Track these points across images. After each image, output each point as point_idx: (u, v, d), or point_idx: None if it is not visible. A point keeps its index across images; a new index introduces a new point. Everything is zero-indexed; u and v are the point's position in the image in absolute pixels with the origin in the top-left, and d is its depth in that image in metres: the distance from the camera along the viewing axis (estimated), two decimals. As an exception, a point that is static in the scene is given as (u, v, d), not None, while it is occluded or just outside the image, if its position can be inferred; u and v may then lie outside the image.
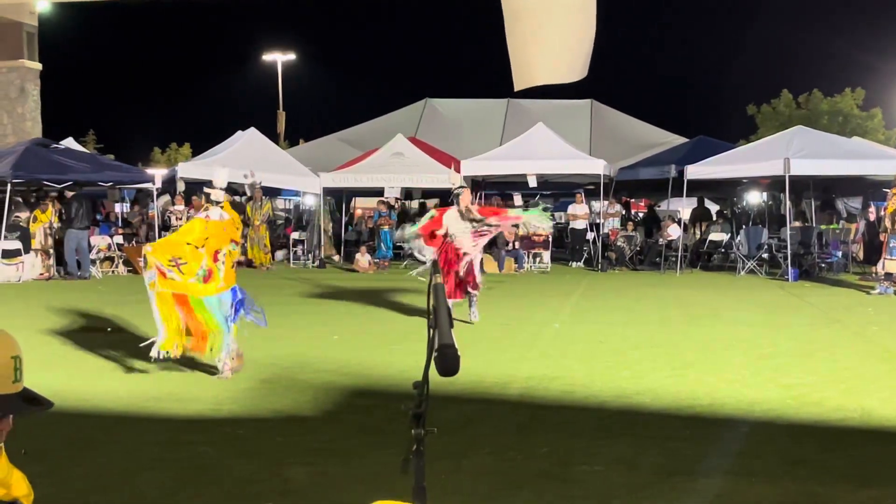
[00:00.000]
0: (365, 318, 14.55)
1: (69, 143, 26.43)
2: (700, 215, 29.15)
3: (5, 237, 20.72)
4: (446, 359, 2.43)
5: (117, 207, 30.77)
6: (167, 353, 9.63)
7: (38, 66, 33.74)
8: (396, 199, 31.34)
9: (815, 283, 20.40)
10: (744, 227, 26.43)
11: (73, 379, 9.45)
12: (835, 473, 6.34)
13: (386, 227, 26.47)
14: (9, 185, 20.70)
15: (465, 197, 13.45)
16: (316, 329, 13.39)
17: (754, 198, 31.09)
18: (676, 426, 7.76)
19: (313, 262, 25.98)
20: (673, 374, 9.88)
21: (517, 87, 3.46)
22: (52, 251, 21.59)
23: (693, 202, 29.48)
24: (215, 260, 9.72)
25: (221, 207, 10.09)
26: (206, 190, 10.88)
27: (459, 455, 6.62)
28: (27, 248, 21.02)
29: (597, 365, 10.44)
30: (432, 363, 2.48)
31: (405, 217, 29.86)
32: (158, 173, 25.81)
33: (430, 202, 34.20)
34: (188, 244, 9.68)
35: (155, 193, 24.01)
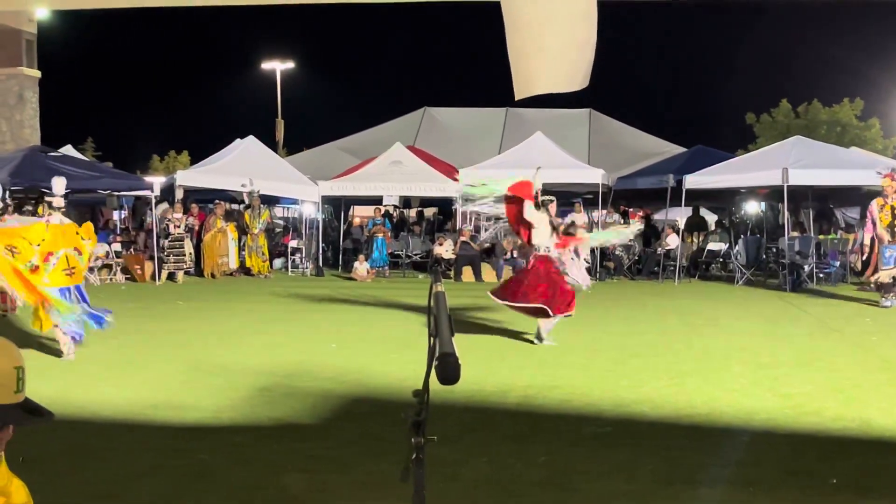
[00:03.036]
0: (363, 327, 14.54)
1: (68, 150, 26.45)
2: (695, 224, 29.14)
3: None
4: (447, 367, 2.42)
5: (115, 215, 30.75)
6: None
7: (37, 73, 33.71)
8: (395, 207, 31.37)
9: (814, 293, 20.39)
10: (742, 236, 26.43)
11: (72, 387, 9.44)
12: (834, 483, 6.33)
13: (380, 235, 26.45)
14: (7, 193, 20.67)
15: (553, 207, 13.18)
16: (314, 337, 13.38)
17: (752, 207, 31.10)
18: (675, 435, 7.75)
19: (312, 271, 25.97)
20: (672, 383, 9.88)
21: (518, 95, 3.46)
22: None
23: (690, 211, 29.47)
24: (45, 260, 10.77)
25: (62, 213, 11.42)
26: (46, 198, 11.92)
27: (458, 463, 6.61)
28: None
29: (595, 374, 10.44)
30: (433, 371, 2.47)
31: (403, 225, 29.88)
32: (157, 181, 25.77)
33: (429, 210, 34.24)
34: (23, 238, 10.82)
35: (154, 201, 24.00)
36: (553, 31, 3.20)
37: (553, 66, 3.25)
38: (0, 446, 2.34)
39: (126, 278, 22.72)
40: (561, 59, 3.25)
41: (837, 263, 23.00)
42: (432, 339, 2.47)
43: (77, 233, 11.44)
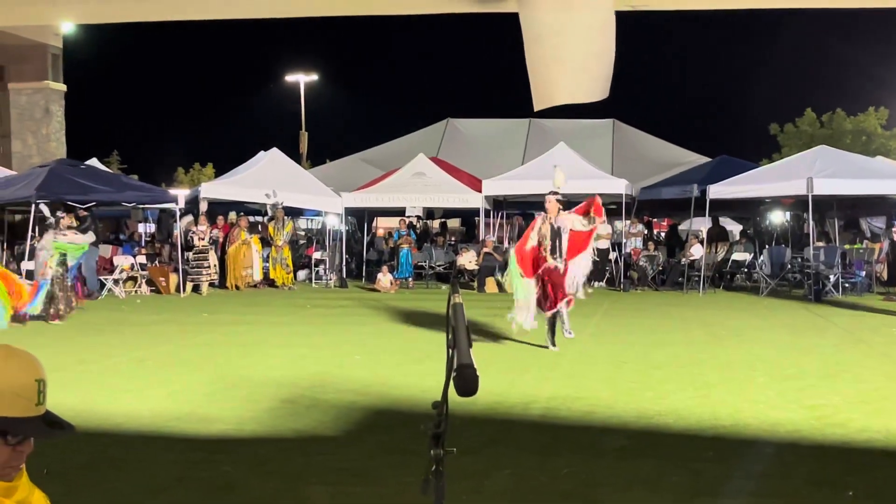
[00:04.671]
0: (386, 338, 14.55)
1: (93, 163, 26.60)
2: (716, 235, 29.00)
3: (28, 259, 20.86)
4: (465, 379, 2.42)
5: (141, 227, 30.92)
6: None
7: (63, 87, 34.04)
8: (418, 218, 31.39)
9: (839, 303, 20.25)
10: (766, 246, 26.30)
11: (95, 399, 9.48)
12: (859, 495, 6.28)
13: (406, 247, 26.46)
14: (33, 206, 20.85)
15: (551, 205, 13.15)
16: (338, 349, 13.39)
17: (777, 217, 30.95)
18: (700, 447, 7.71)
19: (335, 282, 26.02)
20: (696, 394, 9.83)
21: (537, 106, 3.47)
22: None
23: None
24: None
25: None
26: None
27: (481, 475, 6.60)
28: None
29: (619, 385, 10.40)
30: (451, 383, 2.47)
31: (426, 237, 29.90)
32: (182, 193, 25.91)
33: (452, 221, 34.27)
34: None
35: (178, 213, 24.11)
36: (571, 43, 3.20)
37: (572, 76, 3.25)
38: (21, 459, 2.35)
39: (151, 290, 22.83)
40: (579, 70, 3.25)
41: (863, 273, 22.85)
42: (450, 350, 2.47)
43: None
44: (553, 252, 12.88)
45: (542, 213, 13.23)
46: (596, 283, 25.39)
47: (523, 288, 13.14)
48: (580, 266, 13.29)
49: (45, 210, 16.96)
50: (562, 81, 3.22)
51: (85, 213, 16.99)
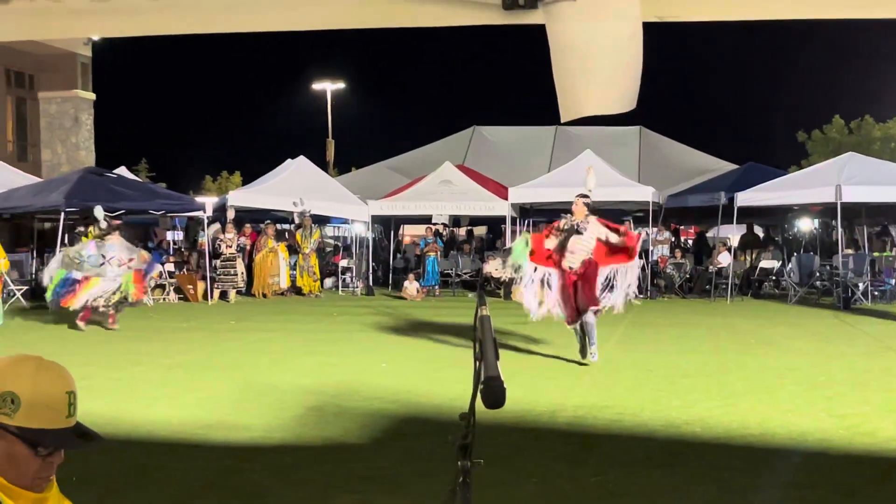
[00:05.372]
0: (413, 346, 14.58)
1: (122, 171, 26.79)
2: (750, 242, 28.87)
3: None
4: (492, 391, 2.42)
5: (169, 235, 31.10)
6: None
7: (92, 95, 34.27)
8: (444, 225, 31.40)
9: (869, 311, 20.11)
10: (795, 254, 26.16)
11: (125, 407, 9.55)
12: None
13: (432, 255, 26.48)
14: (62, 214, 21.02)
15: (578, 208, 12.58)
16: (364, 357, 13.42)
17: (805, 225, 30.78)
18: (728, 456, 7.68)
19: (362, 290, 26.08)
20: (724, 403, 9.78)
21: (564, 118, 3.47)
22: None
23: (743, 228, 29.21)
24: None
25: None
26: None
27: (508, 484, 6.59)
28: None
29: (647, 394, 10.37)
30: (479, 395, 2.48)
31: (453, 244, 29.91)
32: (209, 201, 26.07)
33: (479, 229, 34.25)
34: None
35: (206, 221, 24.23)
36: (599, 53, 3.20)
37: (600, 88, 3.25)
38: (51, 470, 2.37)
39: (179, 298, 22.95)
40: (608, 80, 3.25)
41: (893, 281, 22.70)
42: (477, 362, 2.48)
43: None
44: (561, 250, 12.53)
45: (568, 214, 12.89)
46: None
47: (520, 256, 12.88)
48: (627, 278, 12.80)
49: (100, 213, 17.14)
50: (589, 93, 3.22)
51: (119, 223, 17.18)
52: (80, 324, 16.44)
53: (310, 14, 3.39)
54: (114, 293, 16.57)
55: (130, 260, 16.85)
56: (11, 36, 3.64)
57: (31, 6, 3.45)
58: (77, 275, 16.45)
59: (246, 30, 3.58)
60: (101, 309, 16.58)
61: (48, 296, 16.69)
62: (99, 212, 17.38)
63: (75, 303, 16.32)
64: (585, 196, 12.77)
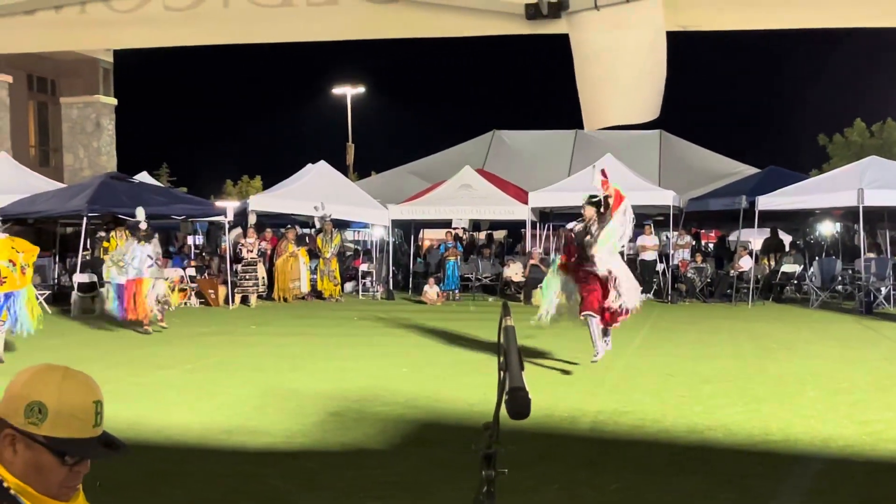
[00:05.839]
0: (433, 350, 14.58)
1: (143, 176, 26.94)
2: (773, 246, 28.74)
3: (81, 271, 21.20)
4: (518, 401, 2.43)
5: (190, 240, 31.22)
6: None
7: (114, 100, 34.51)
8: (464, 230, 31.38)
9: (891, 316, 19.99)
10: (817, 258, 26.03)
11: (148, 412, 9.58)
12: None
13: (452, 259, 26.48)
14: (84, 219, 21.14)
15: (588, 213, 12.60)
16: (385, 361, 13.43)
17: (827, 228, 30.63)
18: (750, 462, 7.65)
19: (382, 294, 26.11)
20: (746, 409, 9.75)
21: (588, 127, 3.47)
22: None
23: (765, 232, 29.08)
24: None
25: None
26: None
27: (530, 491, 6.59)
28: (101, 282, 21.45)
29: (668, 399, 10.34)
30: (503, 405, 2.48)
31: (472, 248, 29.90)
32: (230, 206, 26.13)
33: (499, 233, 34.23)
34: None
35: (227, 226, 24.31)
36: (623, 63, 3.20)
37: (624, 97, 3.25)
38: (78, 479, 2.39)
39: (200, 302, 23.03)
40: (632, 90, 3.24)
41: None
42: (502, 373, 2.48)
43: (12, 247, 13.21)
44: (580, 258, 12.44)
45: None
46: (643, 296, 25.19)
47: (548, 296, 12.96)
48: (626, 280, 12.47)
49: (141, 214, 17.33)
50: (613, 103, 3.22)
51: (147, 227, 17.39)
52: (147, 328, 16.86)
53: (332, 24, 3.40)
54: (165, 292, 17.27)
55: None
56: (37, 47, 3.67)
57: (57, 17, 3.47)
58: (122, 279, 16.78)
59: (268, 41, 3.59)
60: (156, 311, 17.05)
61: (110, 307, 17.11)
62: (141, 213, 17.58)
63: (140, 314, 16.76)
64: (594, 197, 12.78)
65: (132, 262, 16.74)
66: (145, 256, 16.85)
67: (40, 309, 13.82)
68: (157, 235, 17.92)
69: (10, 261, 13.08)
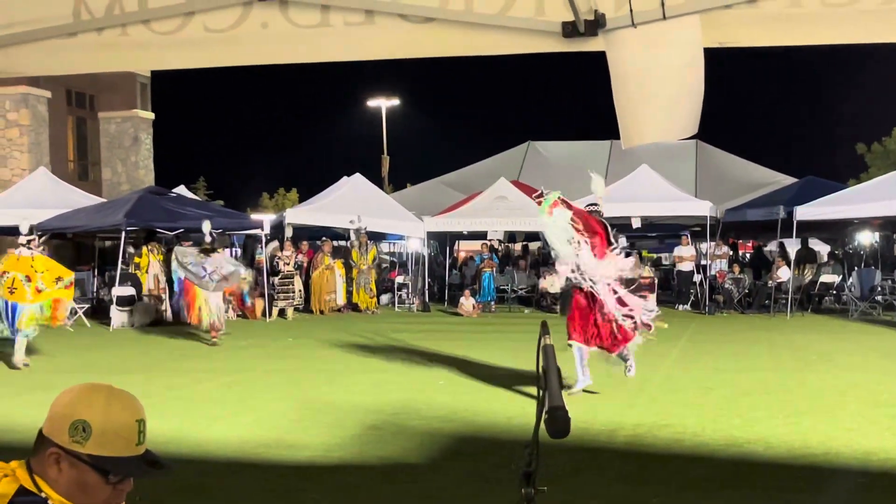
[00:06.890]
0: (470, 363, 14.54)
1: (180, 190, 27.16)
2: (804, 257, 28.48)
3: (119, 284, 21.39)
4: (557, 420, 2.43)
5: (227, 253, 31.40)
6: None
7: (151, 115, 34.82)
8: (500, 241, 31.36)
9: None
10: (856, 268, 25.78)
11: (187, 426, 9.64)
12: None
13: (488, 270, 26.46)
14: (123, 233, 21.33)
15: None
16: (422, 374, 13.43)
17: (866, 238, 30.34)
18: (790, 476, 7.59)
19: (418, 306, 26.14)
20: (786, 422, 9.67)
21: (626, 145, 3.46)
22: (164, 296, 22.10)
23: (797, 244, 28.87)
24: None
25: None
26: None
27: (567, 505, 6.57)
28: (140, 295, 21.65)
29: (706, 412, 10.27)
30: (542, 423, 2.48)
31: (508, 260, 29.86)
32: (267, 219, 26.27)
33: (534, 244, 34.17)
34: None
35: (264, 239, 24.44)
36: (660, 80, 3.20)
37: (662, 115, 3.25)
38: (121, 497, 2.41)
39: (238, 315, 23.14)
40: (669, 108, 3.24)
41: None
42: (541, 392, 2.48)
43: (31, 265, 13.95)
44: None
45: None
46: (681, 307, 25.11)
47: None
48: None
49: (206, 227, 17.64)
50: (651, 120, 3.22)
51: (212, 240, 17.80)
52: (214, 340, 17.22)
53: (369, 44, 3.42)
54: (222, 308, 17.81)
55: (227, 276, 17.41)
56: (79, 69, 3.72)
57: (98, 39, 3.52)
58: (181, 273, 17.51)
59: (305, 61, 3.62)
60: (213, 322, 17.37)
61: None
62: (206, 226, 17.95)
63: (194, 319, 17.37)
64: (594, 205, 12.47)
65: (189, 265, 17.17)
66: (200, 267, 17.17)
67: (39, 323, 14.14)
68: (224, 249, 18.21)
69: (27, 276, 13.79)
